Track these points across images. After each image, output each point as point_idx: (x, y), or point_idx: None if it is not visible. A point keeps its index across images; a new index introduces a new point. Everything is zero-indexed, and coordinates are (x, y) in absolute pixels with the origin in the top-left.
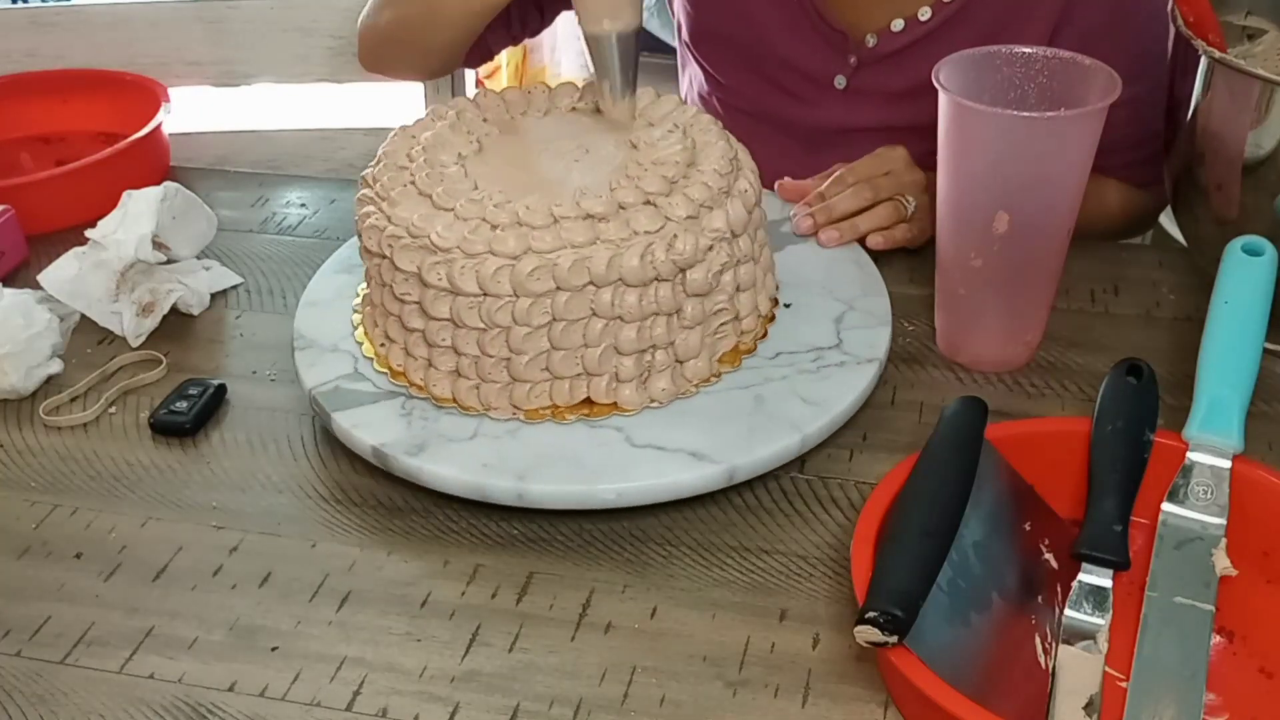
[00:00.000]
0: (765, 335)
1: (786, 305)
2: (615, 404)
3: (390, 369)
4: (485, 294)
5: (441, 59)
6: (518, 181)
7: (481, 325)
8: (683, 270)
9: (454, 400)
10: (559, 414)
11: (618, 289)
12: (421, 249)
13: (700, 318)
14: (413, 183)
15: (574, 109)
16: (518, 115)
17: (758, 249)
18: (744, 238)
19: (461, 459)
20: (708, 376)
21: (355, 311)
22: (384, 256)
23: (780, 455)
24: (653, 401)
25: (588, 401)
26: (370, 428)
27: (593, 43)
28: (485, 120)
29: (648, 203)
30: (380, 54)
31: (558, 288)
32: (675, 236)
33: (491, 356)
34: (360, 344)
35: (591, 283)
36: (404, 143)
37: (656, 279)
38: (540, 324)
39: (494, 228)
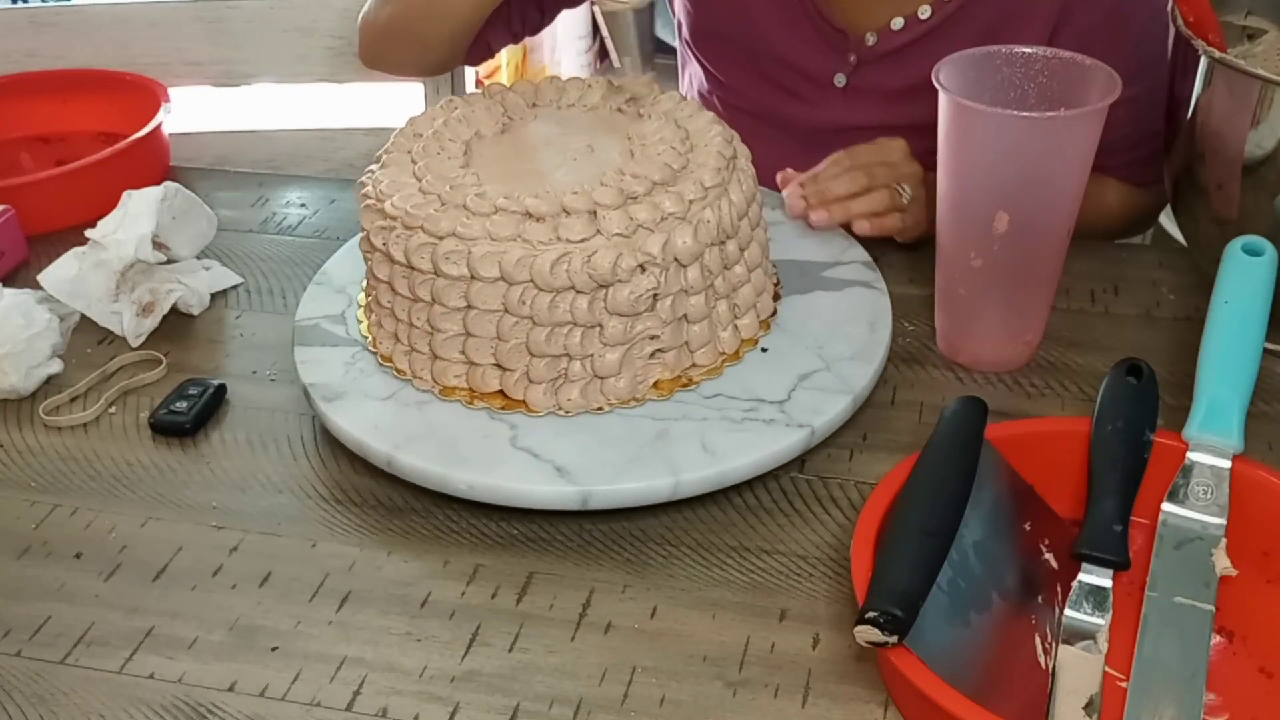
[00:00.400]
0: (720, 373)
1: (763, 350)
2: (525, 402)
3: (366, 320)
4: (411, 267)
5: (441, 54)
6: (505, 169)
7: (410, 296)
8: (603, 286)
9: (391, 361)
10: (471, 398)
11: (528, 289)
12: (377, 213)
13: (623, 338)
14: (410, 151)
15: (620, 110)
16: (565, 106)
17: (727, 285)
18: (693, 268)
19: (362, 416)
20: (628, 399)
21: None
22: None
23: (645, 494)
24: (560, 409)
25: (502, 393)
26: (313, 367)
27: (610, 19)
28: (533, 106)
29: (592, 211)
30: (380, 50)
31: (472, 275)
32: (596, 251)
33: (417, 328)
34: (362, 291)
35: (503, 278)
36: (439, 112)
37: (573, 289)
38: (455, 307)
39: (443, 205)
